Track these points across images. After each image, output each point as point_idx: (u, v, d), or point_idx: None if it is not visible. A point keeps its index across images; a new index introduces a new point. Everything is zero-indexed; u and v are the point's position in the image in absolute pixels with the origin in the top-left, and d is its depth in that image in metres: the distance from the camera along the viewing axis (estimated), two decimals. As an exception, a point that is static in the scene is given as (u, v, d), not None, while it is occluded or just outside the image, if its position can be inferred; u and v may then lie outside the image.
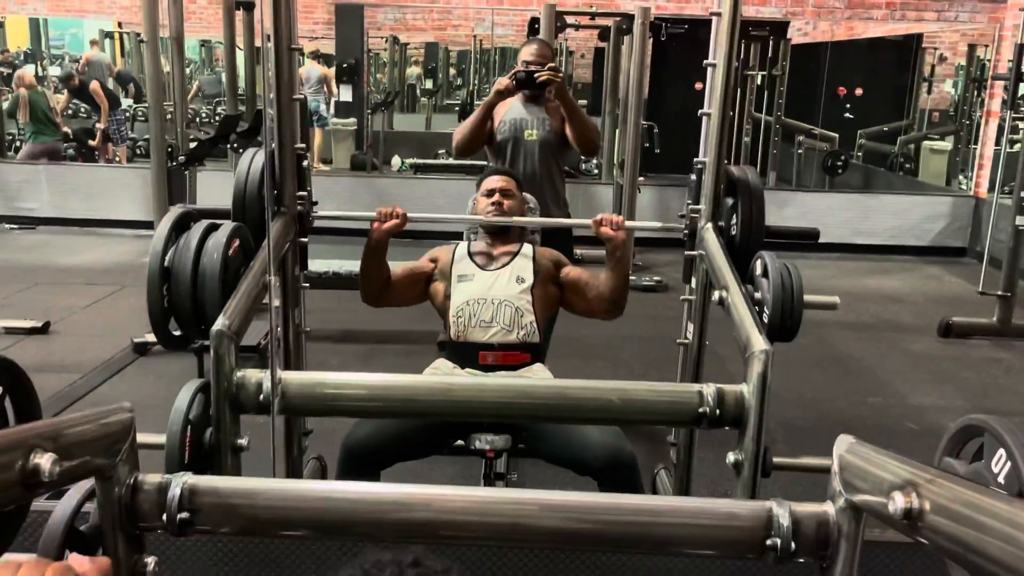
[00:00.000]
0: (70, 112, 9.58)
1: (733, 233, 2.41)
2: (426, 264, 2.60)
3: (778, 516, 1.42)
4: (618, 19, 5.92)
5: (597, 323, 2.69)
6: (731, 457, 1.99)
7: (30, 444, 1.19)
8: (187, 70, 6.95)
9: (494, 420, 2.23)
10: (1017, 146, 4.94)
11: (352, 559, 0.73)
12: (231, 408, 1.94)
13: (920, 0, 6.57)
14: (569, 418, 2.05)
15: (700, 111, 2.48)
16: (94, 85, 8.61)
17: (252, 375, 1.96)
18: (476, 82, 11.26)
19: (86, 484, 1.46)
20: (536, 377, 2.37)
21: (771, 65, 8.04)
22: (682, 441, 2.63)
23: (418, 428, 2.34)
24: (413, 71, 12.04)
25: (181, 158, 3.97)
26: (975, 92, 8.07)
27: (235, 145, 4.25)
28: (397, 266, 2.63)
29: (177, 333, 2.16)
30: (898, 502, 1.17)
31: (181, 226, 2.14)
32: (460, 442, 2.43)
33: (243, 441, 2.04)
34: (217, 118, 10.37)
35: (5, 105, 8.21)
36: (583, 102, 10.43)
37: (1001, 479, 1.23)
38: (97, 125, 8.65)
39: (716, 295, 2.19)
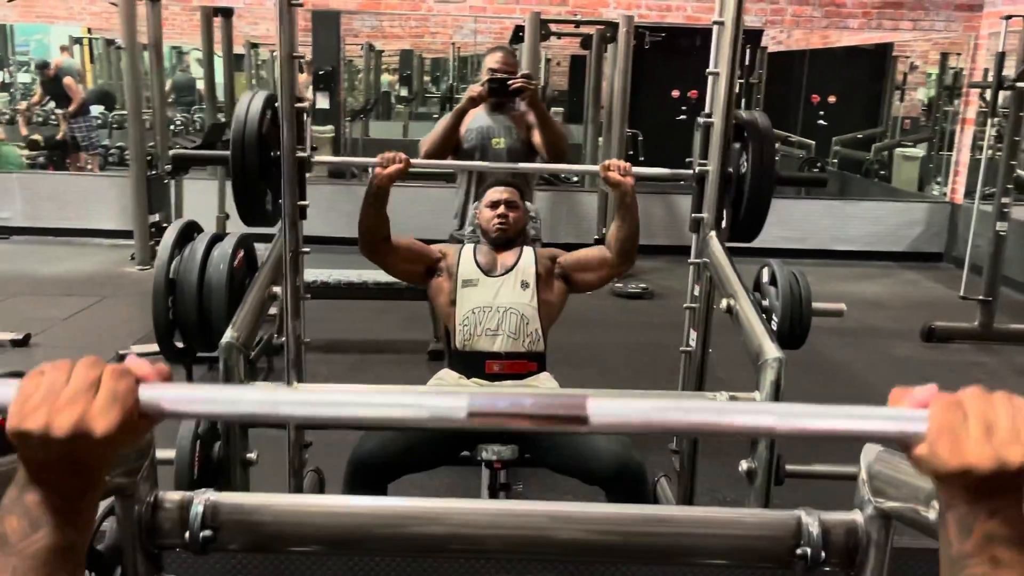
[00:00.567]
0: (40, 119, 9.43)
1: (743, 172, 2.39)
2: (433, 251, 2.57)
3: (807, 525, 1.42)
4: (602, 27, 5.95)
5: (587, 330, 2.69)
6: (744, 465, 1.99)
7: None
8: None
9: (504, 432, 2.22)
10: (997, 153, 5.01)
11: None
12: (241, 423, 1.91)
13: (896, 10, 6.66)
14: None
15: (699, 117, 2.47)
16: (68, 80, 8.51)
17: (260, 387, 1.92)
18: (454, 89, 11.26)
19: (103, 502, 1.43)
20: (544, 387, 2.36)
21: (748, 73, 8.12)
22: (685, 449, 2.63)
23: (425, 440, 2.31)
24: (388, 78, 12.01)
25: (167, 167, 3.90)
26: (948, 100, 8.21)
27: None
28: (403, 236, 2.60)
29: (180, 345, 2.13)
30: (937, 510, 1.17)
31: (185, 237, 2.11)
32: (466, 453, 2.42)
33: (252, 455, 2.01)
34: (192, 125, 10.29)
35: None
36: (559, 110, 10.46)
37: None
38: (62, 121, 8.55)
39: (724, 303, 2.19)
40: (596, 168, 2.45)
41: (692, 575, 1.78)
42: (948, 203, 7.16)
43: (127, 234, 6.27)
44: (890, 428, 0.65)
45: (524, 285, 2.46)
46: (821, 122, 9.27)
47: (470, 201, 3.24)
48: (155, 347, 4.10)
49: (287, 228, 2.27)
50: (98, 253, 6.42)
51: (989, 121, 4.67)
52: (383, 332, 4.61)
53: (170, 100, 10.27)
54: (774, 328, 2.12)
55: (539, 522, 1.47)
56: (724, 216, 2.44)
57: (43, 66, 8.83)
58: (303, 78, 9.15)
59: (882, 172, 9.05)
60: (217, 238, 2.10)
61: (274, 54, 9.88)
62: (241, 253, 2.11)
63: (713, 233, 2.43)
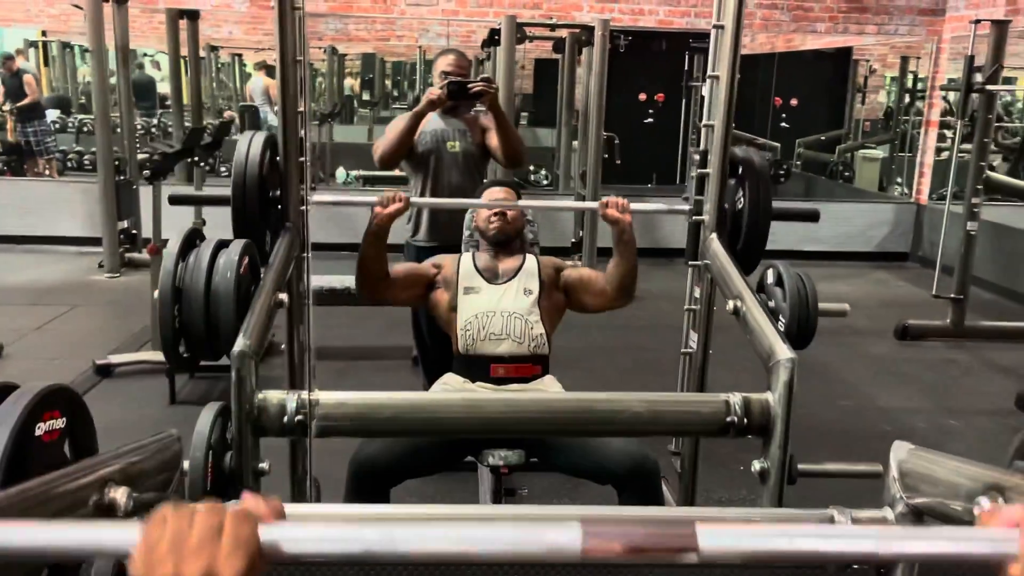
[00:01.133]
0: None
1: (740, 208, 2.42)
2: (429, 268, 2.56)
3: (840, 523, 1.44)
4: (577, 31, 5.97)
5: (570, 335, 2.69)
6: (756, 465, 2.00)
7: (104, 478, 1.13)
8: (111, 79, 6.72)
9: (521, 435, 2.21)
10: (963, 155, 5.12)
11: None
12: (253, 431, 1.87)
13: (861, 14, 6.78)
14: (597, 431, 2.05)
15: (703, 123, 2.49)
16: (28, 77, 8.35)
17: (273, 396, 1.89)
18: (420, 93, 11.21)
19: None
20: (551, 390, 2.36)
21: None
22: (687, 450, 2.65)
23: (428, 445, 2.30)
24: (352, 82, 11.93)
25: (147, 172, 3.83)
26: (909, 102, 8.39)
27: (198, 159, 4.13)
28: (398, 265, 2.59)
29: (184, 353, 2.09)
30: (985, 507, 1.19)
31: (189, 244, 2.07)
32: (471, 458, 2.41)
33: (264, 465, 1.98)
34: (155, 130, 10.10)
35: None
36: (525, 113, 10.48)
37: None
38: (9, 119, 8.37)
39: (730, 304, 2.20)
40: (595, 205, 2.44)
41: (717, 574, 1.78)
42: (914, 203, 7.31)
43: (94, 241, 6.14)
44: (985, 550, 0.67)
45: (527, 292, 2.46)
46: (784, 124, 9.41)
47: (424, 206, 3.21)
48: (133, 357, 4.05)
49: (291, 233, 2.24)
50: (64, 261, 6.28)
51: (959, 123, 4.77)
52: (366, 338, 4.57)
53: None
54: (781, 329, 2.14)
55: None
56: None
57: (9, 58, 8.58)
58: (272, 82, 9.06)
59: (846, 173, 9.21)
60: (222, 244, 2.06)
61: (238, 58, 9.71)
62: (246, 260, 2.07)
63: (714, 235, 2.45)
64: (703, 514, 1.54)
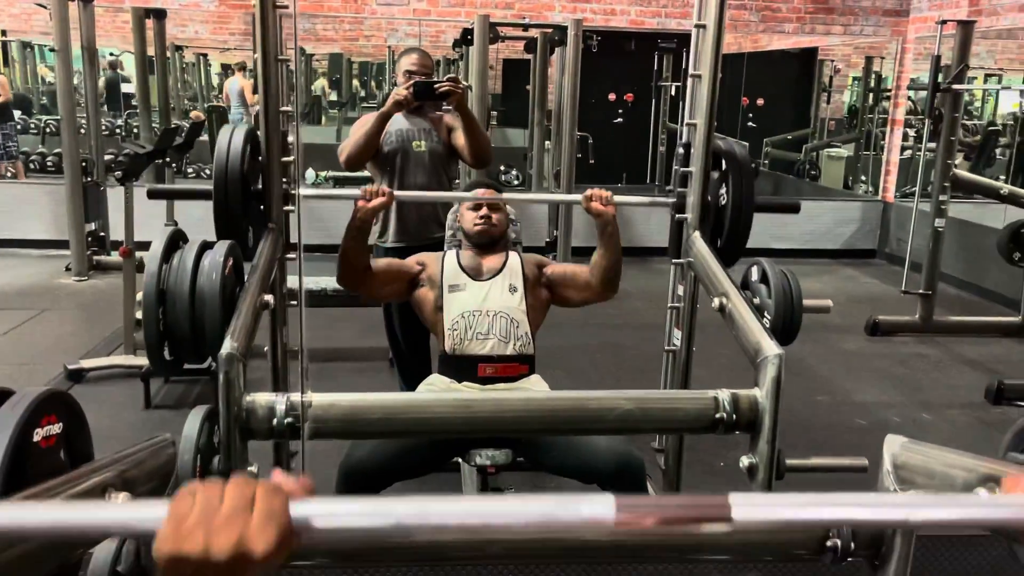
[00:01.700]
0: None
1: (723, 203, 2.44)
2: (412, 265, 2.55)
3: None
4: (550, 31, 5.98)
5: (550, 334, 2.69)
6: (745, 461, 2.01)
7: (104, 483, 1.11)
8: (75, 80, 6.58)
9: (511, 435, 2.21)
10: (928, 154, 5.21)
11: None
12: (241, 435, 1.85)
13: (828, 15, 6.87)
14: (587, 429, 2.05)
15: (685, 122, 2.51)
16: (2, 79, 8.19)
17: (262, 399, 1.87)
18: (387, 93, 11.14)
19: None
20: (539, 389, 2.36)
21: (684, 76, 8.27)
22: (671, 447, 2.66)
23: (418, 446, 2.29)
24: (320, 83, 11.83)
25: (118, 173, 3.76)
26: (874, 101, 8.51)
27: (169, 160, 4.08)
28: (381, 260, 2.58)
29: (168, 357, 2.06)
30: (982, 496, 1.21)
31: (172, 246, 2.04)
32: (458, 459, 2.40)
33: (253, 468, 1.96)
34: (118, 130, 9.95)
35: None
36: (494, 113, 10.47)
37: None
38: None
39: (715, 302, 2.22)
40: (578, 198, 2.45)
41: (719, 571, 1.80)
42: (880, 201, 7.43)
43: (61, 244, 6.03)
44: (1018, 515, 0.67)
45: (512, 289, 2.46)
46: (751, 124, 9.51)
47: (392, 207, 3.17)
48: (106, 361, 3.99)
49: (274, 233, 2.22)
50: (29, 264, 6.15)
51: (926, 122, 4.85)
52: (342, 340, 4.53)
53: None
54: (767, 325, 2.16)
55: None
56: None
57: None
58: (247, 83, 8.97)
59: (812, 172, 9.33)
60: (206, 246, 2.03)
61: (204, 57, 9.58)
62: (230, 261, 2.05)
63: (697, 232, 2.47)
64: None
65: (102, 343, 4.42)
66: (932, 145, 5.00)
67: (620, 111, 9.43)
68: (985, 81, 7.76)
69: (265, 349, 2.42)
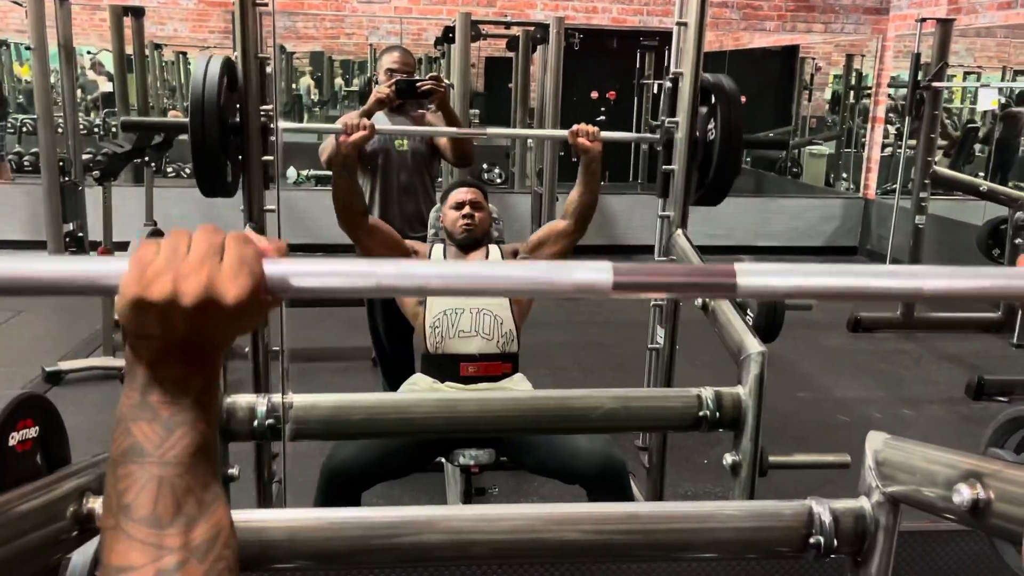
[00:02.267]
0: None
1: (711, 139, 2.43)
2: (406, 245, 2.56)
3: (819, 514, 1.46)
4: (531, 28, 5.97)
5: (533, 332, 2.70)
6: (728, 458, 2.02)
7: (81, 488, 1.09)
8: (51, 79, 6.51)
9: (495, 434, 2.20)
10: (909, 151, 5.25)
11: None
12: (222, 437, 1.83)
13: (809, 13, 6.91)
14: (571, 428, 2.05)
15: (667, 120, 2.51)
16: None
17: (242, 400, 1.86)
18: (368, 91, 11.10)
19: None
20: (522, 389, 2.35)
21: (666, 74, 8.28)
22: (655, 446, 2.67)
23: (400, 447, 2.28)
24: (304, 81, 11.78)
25: (96, 172, 3.72)
26: (855, 99, 8.56)
27: (148, 159, 4.04)
28: (381, 221, 2.58)
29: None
30: (964, 494, 1.21)
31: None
32: (441, 459, 2.39)
33: (234, 471, 1.94)
34: (96, 129, 9.85)
35: None
36: (475, 111, 10.46)
37: (1053, 468, 1.29)
38: None
39: (698, 300, 2.22)
40: (564, 133, 2.43)
41: (702, 569, 1.80)
42: (861, 199, 7.47)
43: (38, 244, 5.96)
44: None
45: (495, 285, 2.45)
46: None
47: (375, 206, 3.16)
48: (85, 363, 3.95)
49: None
50: (7, 265, 6.07)
51: (907, 119, 4.88)
52: (324, 340, 4.51)
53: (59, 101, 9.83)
54: (749, 323, 2.16)
55: (540, 524, 1.46)
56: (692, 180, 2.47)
57: None
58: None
59: (794, 169, 9.38)
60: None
61: (183, 56, 9.49)
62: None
63: (680, 230, 2.47)
64: (684, 509, 1.55)
65: (80, 344, 4.37)
66: (912, 142, 5.04)
67: (602, 109, 9.42)
68: (964, 79, 7.83)
69: (246, 350, 2.39)
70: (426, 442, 2.30)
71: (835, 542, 1.46)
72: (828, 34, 7.18)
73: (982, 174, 7.11)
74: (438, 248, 2.55)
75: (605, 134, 2.43)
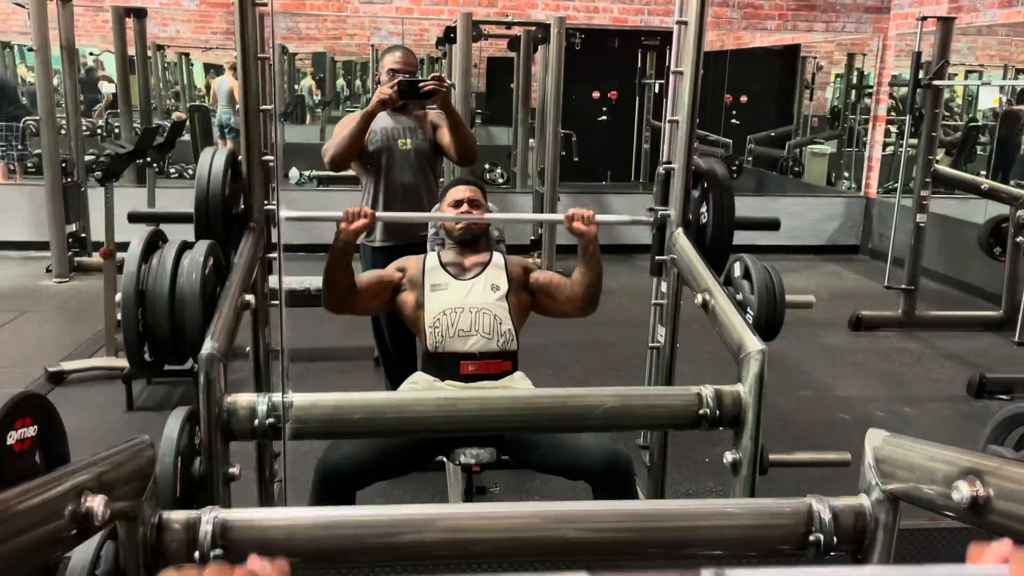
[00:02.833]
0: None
1: (704, 222, 2.45)
2: (393, 273, 2.54)
3: (819, 511, 1.46)
4: (533, 28, 5.97)
5: (534, 332, 2.70)
6: (728, 457, 2.02)
7: (79, 486, 1.10)
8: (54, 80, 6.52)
9: (496, 433, 2.20)
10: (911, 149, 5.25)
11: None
12: (223, 436, 1.83)
13: (810, 12, 6.90)
14: (571, 427, 2.05)
15: (668, 117, 2.51)
16: None
17: (243, 399, 1.86)
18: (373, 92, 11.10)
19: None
20: (521, 387, 2.35)
21: (667, 74, 8.27)
22: (656, 444, 2.66)
23: (398, 446, 2.28)
24: (306, 82, 11.79)
25: (98, 173, 3.73)
26: (856, 98, 8.55)
27: (150, 159, 4.04)
28: (364, 275, 2.56)
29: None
30: (963, 491, 1.21)
31: (151, 246, 2.02)
32: (441, 458, 2.39)
33: (235, 470, 1.94)
34: (99, 131, 9.86)
35: None
36: (477, 111, 10.46)
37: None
38: None
39: (698, 298, 2.22)
40: (560, 217, 2.44)
41: (702, 567, 1.80)
42: (863, 197, 7.46)
43: (40, 245, 5.98)
44: None
45: (495, 287, 2.45)
46: (735, 121, 9.53)
47: (379, 207, 3.16)
48: (87, 363, 3.95)
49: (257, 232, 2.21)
50: (9, 266, 6.09)
51: (907, 118, 4.87)
52: (326, 340, 4.51)
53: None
54: (749, 321, 2.16)
55: (540, 522, 1.47)
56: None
57: None
58: (236, 84, 8.92)
59: (796, 169, 9.37)
60: (186, 245, 2.01)
61: (186, 57, 9.51)
62: (211, 261, 2.03)
63: (680, 230, 2.47)
64: (685, 506, 1.55)
65: (83, 345, 4.38)
66: (913, 141, 5.03)
67: (604, 109, 9.42)
68: (966, 77, 7.82)
69: (247, 350, 2.40)
70: (427, 441, 2.30)
71: (835, 539, 1.47)
72: (829, 33, 7.17)
73: (984, 172, 7.10)
74: (432, 256, 2.55)
75: (600, 218, 2.41)
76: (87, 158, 5.95)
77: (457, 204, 2.56)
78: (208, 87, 10.44)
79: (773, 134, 9.85)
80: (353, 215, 2.33)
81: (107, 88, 9.60)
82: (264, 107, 2.20)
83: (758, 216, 2.69)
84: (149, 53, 9.81)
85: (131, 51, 6.98)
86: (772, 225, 2.65)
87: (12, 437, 1.06)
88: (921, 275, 5.16)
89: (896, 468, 1.40)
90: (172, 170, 8.12)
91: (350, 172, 3.35)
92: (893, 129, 7.43)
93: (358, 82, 11.64)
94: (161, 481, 1.76)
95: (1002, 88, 7.85)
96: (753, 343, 1.98)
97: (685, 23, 2.40)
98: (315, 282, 3.97)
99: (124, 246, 3.74)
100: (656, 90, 8.98)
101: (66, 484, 1.06)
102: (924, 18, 4.78)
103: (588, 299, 2.46)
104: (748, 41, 8.99)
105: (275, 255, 2.35)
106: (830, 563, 1.53)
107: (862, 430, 1.49)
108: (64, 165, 5.67)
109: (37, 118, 5.95)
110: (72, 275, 5.76)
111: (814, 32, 7.15)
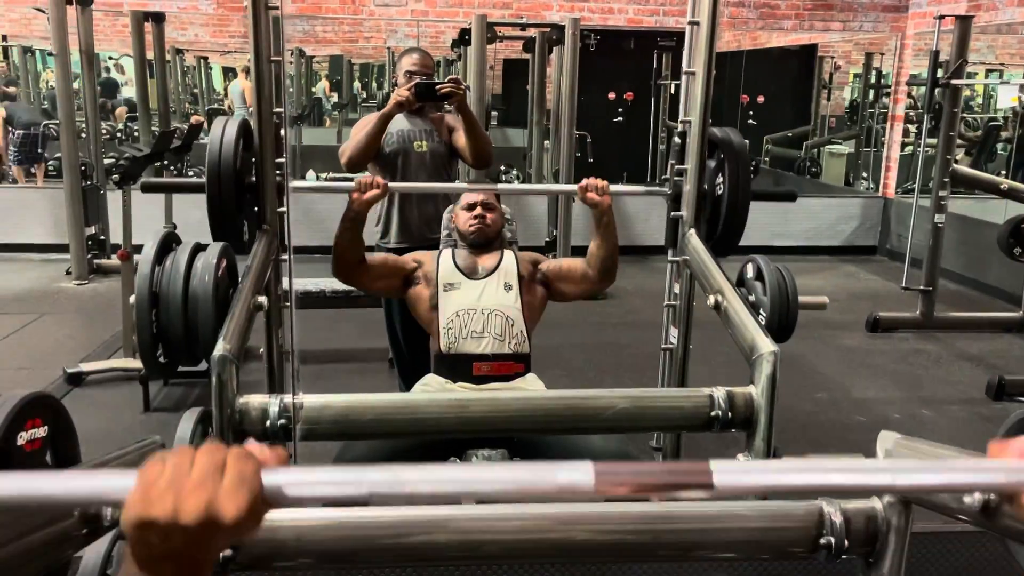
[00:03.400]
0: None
1: (719, 193, 2.43)
2: (408, 262, 2.55)
3: (830, 514, 1.45)
4: (547, 30, 5.97)
5: (548, 333, 2.69)
6: (740, 459, 2.01)
7: (89, 487, 1.10)
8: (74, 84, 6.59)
9: (507, 435, 2.20)
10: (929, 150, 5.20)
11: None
12: (235, 436, 1.85)
13: (827, 11, 6.86)
14: (583, 428, 2.05)
15: (680, 119, 2.50)
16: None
17: (255, 400, 1.87)
18: (388, 93, 11.15)
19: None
20: (534, 389, 2.35)
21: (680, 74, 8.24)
22: (669, 446, 2.66)
23: (410, 447, 2.28)
24: (322, 85, 11.85)
25: (115, 176, 3.76)
26: (874, 97, 8.49)
27: (167, 162, 4.07)
28: (377, 254, 2.57)
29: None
30: (976, 494, 1.20)
31: (165, 248, 2.03)
32: (454, 459, 2.39)
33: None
34: (118, 134, 9.94)
35: None
36: (494, 113, 10.47)
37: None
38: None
39: (711, 299, 2.22)
40: (574, 188, 2.44)
41: (713, 569, 1.79)
42: (881, 198, 7.40)
43: (61, 248, 6.04)
44: (1001, 479, 0.66)
45: (507, 287, 2.45)
46: (751, 121, 9.49)
47: (393, 208, 3.17)
48: (105, 364, 3.99)
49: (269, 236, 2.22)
50: (30, 268, 6.16)
51: (926, 118, 4.83)
52: (341, 341, 4.53)
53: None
54: (762, 323, 2.15)
55: (550, 524, 1.46)
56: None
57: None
58: (247, 85, 8.98)
59: (813, 169, 9.31)
60: (199, 248, 2.03)
61: (204, 60, 9.57)
62: (224, 263, 2.05)
63: (692, 231, 2.46)
64: (695, 509, 1.55)
65: (102, 346, 4.42)
66: (932, 141, 4.99)
67: (619, 110, 9.40)
68: (986, 76, 7.74)
69: (261, 351, 2.41)
70: (438, 442, 2.30)
71: (846, 543, 1.46)
72: (846, 32, 7.13)
73: (1004, 172, 7.03)
74: (446, 254, 2.55)
75: (614, 188, 2.41)
76: (106, 161, 6.01)
77: (470, 207, 2.56)
78: (226, 91, 10.51)
79: (790, 134, 9.80)
80: (366, 185, 2.34)
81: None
82: (276, 109, 2.22)
83: (773, 189, 2.67)
84: (168, 57, 9.91)
85: (150, 55, 7.05)
86: (788, 196, 2.64)
87: (23, 438, 1.07)
88: (939, 276, 5.11)
89: (908, 471, 1.39)
90: (191, 173, 8.17)
91: (367, 174, 3.36)
92: (911, 129, 7.37)
93: (374, 84, 11.69)
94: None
95: (1022, 87, 7.77)
96: (765, 344, 1.97)
97: (697, 24, 2.39)
98: (331, 284, 4.00)
99: (142, 248, 3.77)
100: (672, 91, 8.95)
101: (75, 484, 1.07)
102: (942, 16, 4.74)
103: (605, 271, 2.46)
104: (764, 41, 8.95)
105: (286, 257, 2.36)
106: (841, 567, 1.52)
107: (878, 433, 1.48)
108: (83, 168, 5.74)
109: (57, 122, 6.01)
110: (91, 277, 5.82)
111: (831, 32, 7.10)
